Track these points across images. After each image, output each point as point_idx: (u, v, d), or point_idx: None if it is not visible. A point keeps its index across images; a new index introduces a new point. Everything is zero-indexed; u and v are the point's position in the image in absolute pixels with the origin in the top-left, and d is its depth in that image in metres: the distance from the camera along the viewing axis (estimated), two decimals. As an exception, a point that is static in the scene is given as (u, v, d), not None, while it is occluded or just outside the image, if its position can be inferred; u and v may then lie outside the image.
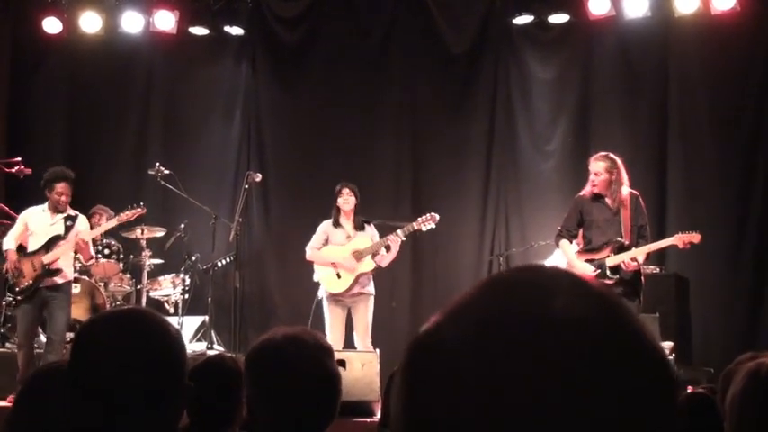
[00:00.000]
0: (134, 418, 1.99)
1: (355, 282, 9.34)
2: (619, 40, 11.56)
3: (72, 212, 9.31)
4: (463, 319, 0.89)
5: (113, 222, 9.68)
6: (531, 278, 0.91)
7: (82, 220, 9.38)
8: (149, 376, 2.00)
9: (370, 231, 9.57)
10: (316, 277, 9.53)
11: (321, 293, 9.52)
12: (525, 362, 0.83)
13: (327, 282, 9.42)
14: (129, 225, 10.94)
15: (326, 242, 9.52)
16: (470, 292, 0.92)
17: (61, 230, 9.15)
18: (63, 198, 9.12)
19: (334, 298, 9.41)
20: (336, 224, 9.53)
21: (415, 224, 9.35)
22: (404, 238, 9.37)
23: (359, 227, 9.52)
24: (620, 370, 0.84)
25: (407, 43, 12.23)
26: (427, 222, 9.37)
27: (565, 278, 0.90)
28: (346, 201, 9.47)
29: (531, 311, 0.86)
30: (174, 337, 2.10)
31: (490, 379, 0.83)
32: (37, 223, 9.20)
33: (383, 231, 9.62)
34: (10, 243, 9.21)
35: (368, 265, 9.35)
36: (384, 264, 9.48)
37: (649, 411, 0.85)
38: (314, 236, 9.57)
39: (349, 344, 9.44)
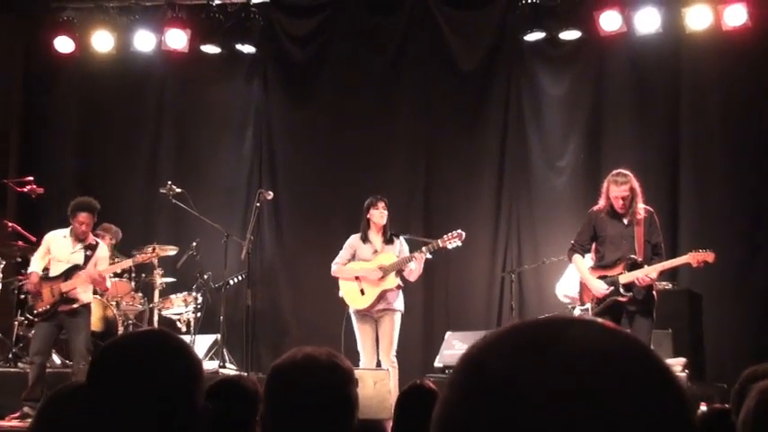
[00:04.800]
0: None
1: (379, 298, 9.26)
2: (630, 56, 11.54)
3: (93, 241, 9.44)
4: (501, 345, 1.00)
5: (129, 263, 10.03)
6: (561, 318, 1.03)
7: (102, 249, 9.48)
8: (166, 396, 2.04)
9: (399, 246, 9.47)
10: (340, 293, 9.48)
11: (350, 309, 9.48)
12: (550, 381, 0.94)
13: (350, 298, 9.38)
14: (140, 244, 10.99)
15: (354, 257, 9.48)
16: (511, 324, 1.04)
17: (81, 260, 9.28)
18: (83, 228, 9.24)
19: (361, 314, 9.35)
20: (365, 239, 9.46)
21: (440, 241, 9.31)
22: (429, 255, 9.35)
23: (388, 241, 9.46)
24: (632, 392, 0.95)
25: (419, 61, 12.23)
26: (453, 240, 9.30)
27: (585, 319, 1.03)
28: (382, 214, 9.40)
29: (555, 341, 0.98)
30: (192, 359, 2.15)
31: (519, 393, 0.94)
32: (59, 248, 9.35)
33: (411, 246, 9.59)
34: (35, 265, 9.37)
35: (391, 281, 9.28)
36: (412, 278, 9.41)
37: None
38: (341, 251, 9.52)
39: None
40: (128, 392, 2.02)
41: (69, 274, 9.21)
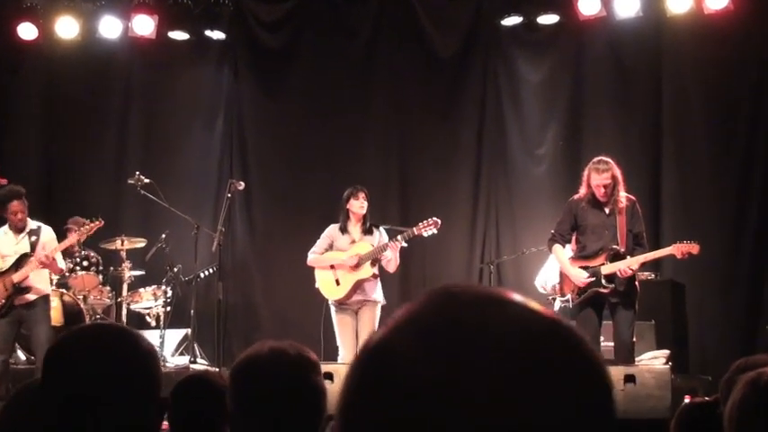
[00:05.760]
0: None
1: (355, 288, 9.07)
2: (610, 40, 11.44)
3: (34, 225, 9.25)
4: (409, 328, 0.91)
5: (74, 238, 9.69)
6: (471, 292, 0.94)
7: (46, 232, 9.28)
8: (121, 392, 2.02)
9: (378, 236, 9.27)
10: (316, 284, 9.29)
11: (329, 301, 9.30)
12: (463, 367, 0.87)
13: (325, 288, 9.20)
14: (108, 236, 10.77)
15: (331, 247, 9.26)
16: (417, 302, 0.95)
17: (27, 247, 9.08)
18: (18, 216, 9.10)
19: (339, 305, 9.16)
20: (344, 229, 9.25)
21: (415, 229, 9.05)
22: (404, 244, 9.11)
23: (367, 231, 9.25)
24: (555, 378, 0.88)
25: (394, 47, 12.13)
26: (428, 228, 9.05)
27: (502, 294, 0.95)
28: (362, 205, 9.18)
29: (470, 322, 0.89)
30: (146, 351, 2.12)
31: (433, 382, 0.86)
32: (3, 245, 9.16)
33: (389, 236, 9.38)
34: None
35: (366, 271, 9.07)
36: (390, 268, 9.20)
37: (584, 422, 0.88)
38: (318, 240, 9.31)
39: None
40: (78, 393, 2.00)
41: (20, 263, 9.00)
